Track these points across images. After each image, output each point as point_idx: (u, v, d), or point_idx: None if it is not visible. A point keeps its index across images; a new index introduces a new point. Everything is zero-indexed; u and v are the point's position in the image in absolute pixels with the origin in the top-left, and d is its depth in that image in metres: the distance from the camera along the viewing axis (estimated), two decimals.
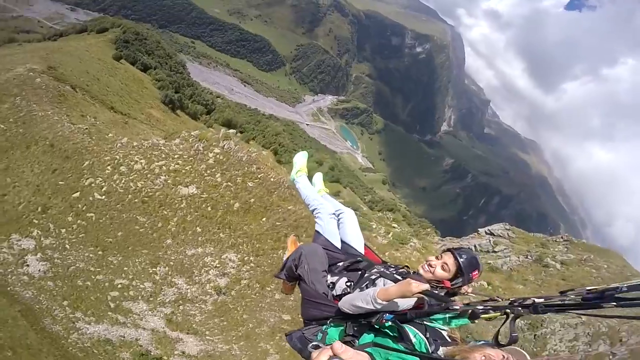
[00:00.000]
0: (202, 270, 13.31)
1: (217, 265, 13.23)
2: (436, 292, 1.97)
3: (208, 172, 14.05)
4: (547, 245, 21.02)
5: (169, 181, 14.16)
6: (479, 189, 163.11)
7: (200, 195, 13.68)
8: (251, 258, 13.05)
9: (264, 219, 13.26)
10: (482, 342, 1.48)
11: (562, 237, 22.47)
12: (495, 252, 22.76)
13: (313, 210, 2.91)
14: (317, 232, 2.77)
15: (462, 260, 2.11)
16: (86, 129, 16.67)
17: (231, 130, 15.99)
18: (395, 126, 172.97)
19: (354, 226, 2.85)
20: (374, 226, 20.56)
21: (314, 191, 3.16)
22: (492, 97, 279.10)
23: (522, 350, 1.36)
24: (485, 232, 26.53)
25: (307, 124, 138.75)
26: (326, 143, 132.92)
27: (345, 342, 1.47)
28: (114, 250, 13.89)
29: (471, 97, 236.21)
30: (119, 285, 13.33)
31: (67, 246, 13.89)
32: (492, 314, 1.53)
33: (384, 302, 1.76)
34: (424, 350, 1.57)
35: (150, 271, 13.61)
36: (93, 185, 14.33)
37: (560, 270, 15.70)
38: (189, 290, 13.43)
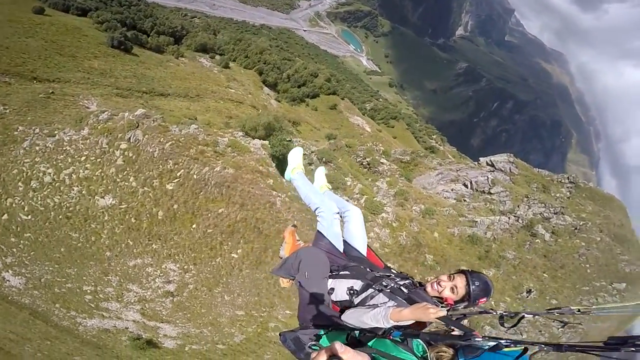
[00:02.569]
0: (148, 278, 12.39)
1: (160, 275, 12.05)
2: (454, 320, 1.80)
3: (120, 176, 11.27)
4: (549, 188, 17.51)
5: (83, 192, 11.75)
6: (493, 93, 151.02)
7: (119, 205, 11.36)
8: (190, 266, 11.56)
9: (193, 226, 11.07)
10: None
11: (567, 178, 18.75)
12: (490, 194, 19.43)
13: (315, 209, 2.55)
14: (319, 232, 2.45)
15: (474, 287, 1.93)
16: None
17: (139, 111, 12.11)
18: (404, 29, 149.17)
19: (359, 226, 2.55)
20: (348, 183, 17.70)
21: (314, 189, 2.76)
22: (518, 7, 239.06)
23: None
24: (487, 163, 22.57)
25: (305, 30, 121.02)
26: (326, 48, 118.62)
27: None
28: (66, 263, 13.05)
29: (492, 4, 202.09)
30: (88, 291, 13.16)
31: (27, 262, 13.32)
32: (513, 348, 1.44)
33: (395, 323, 1.68)
34: (421, 353, 1.58)
35: (105, 279, 13.01)
36: (15, 205, 12.29)
37: (547, 242, 12.84)
38: (145, 294, 12.95)
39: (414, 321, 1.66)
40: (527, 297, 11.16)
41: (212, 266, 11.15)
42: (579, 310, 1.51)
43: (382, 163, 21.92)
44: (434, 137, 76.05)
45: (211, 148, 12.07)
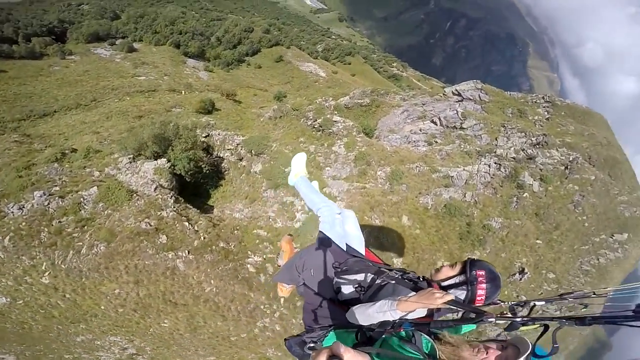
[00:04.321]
0: (104, 347, 11.02)
1: (111, 345, 10.90)
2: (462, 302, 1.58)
3: None
4: (525, 111, 14.48)
5: None
6: (443, 13, 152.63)
7: (17, 302, 9.34)
8: (131, 337, 10.11)
9: (102, 307, 8.89)
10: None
11: (542, 97, 15.69)
12: (463, 128, 15.36)
13: (317, 210, 2.49)
14: (322, 232, 2.36)
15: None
16: None
17: None
18: None
19: (354, 227, 2.46)
20: (290, 155, 13.90)
21: (316, 191, 2.73)
22: None
23: (527, 340, 1.23)
24: (453, 93, 18.16)
25: None
26: None
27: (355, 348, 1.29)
28: (27, 345, 12.33)
29: None
30: (70, 358, 13.04)
31: None
32: (531, 326, 1.28)
33: (403, 314, 1.55)
34: (429, 350, 1.42)
35: (73, 350, 12.09)
36: None
37: (536, 194, 10.01)
38: (116, 356, 12.12)
39: (422, 311, 1.52)
40: (521, 279, 8.87)
41: (152, 334, 9.43)
42: (594, 293, 1.43)
43: (335, 122, 17.31)
44: (394, 64, 67.54)
45: (72, 216, 8.38)
